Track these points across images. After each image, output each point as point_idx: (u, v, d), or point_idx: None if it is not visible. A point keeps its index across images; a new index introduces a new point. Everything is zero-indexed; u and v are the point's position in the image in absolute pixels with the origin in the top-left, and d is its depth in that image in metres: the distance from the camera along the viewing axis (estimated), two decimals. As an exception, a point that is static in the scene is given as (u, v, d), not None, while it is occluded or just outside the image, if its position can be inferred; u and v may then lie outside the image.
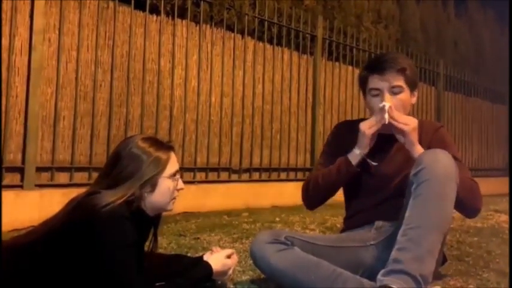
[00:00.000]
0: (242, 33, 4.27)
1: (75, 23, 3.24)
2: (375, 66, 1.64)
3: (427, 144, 1.60)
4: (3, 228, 2.18)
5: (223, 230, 2.73)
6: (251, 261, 1.61)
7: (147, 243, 1.55)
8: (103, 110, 3.38)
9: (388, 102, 1.57)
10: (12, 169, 2.94)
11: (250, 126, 4.31)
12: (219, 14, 4.10)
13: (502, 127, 7.85)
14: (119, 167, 1.38)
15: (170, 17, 3.79)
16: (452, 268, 1.90)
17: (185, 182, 1.57)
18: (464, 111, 7.23)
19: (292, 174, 4.69)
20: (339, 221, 2.99)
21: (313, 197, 1.72)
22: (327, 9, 5.26)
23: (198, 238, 2.47)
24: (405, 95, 1.62)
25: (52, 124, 3.12)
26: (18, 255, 1.33)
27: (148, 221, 1.50)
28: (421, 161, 1.42)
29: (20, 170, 2.96)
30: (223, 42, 4.13)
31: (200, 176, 3.93)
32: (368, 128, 1.57)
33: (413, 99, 1.67)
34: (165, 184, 1.43)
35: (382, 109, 1.55)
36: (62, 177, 3.17)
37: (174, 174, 1.45)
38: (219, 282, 1.62)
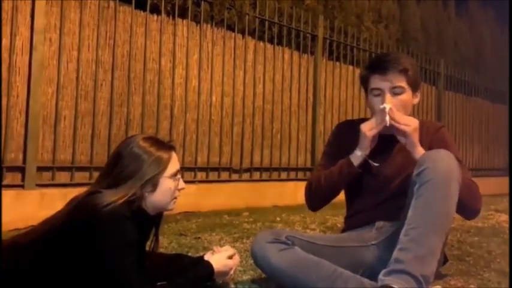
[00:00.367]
0: (243, 32, 4.27)
1: (75, 23, 3.24)
2: (377, 66, 1.63)
3: (427, 145, 1.60)
4: (4, 228, 2.19)
5: (223, 230, 2.74)
6: (252, 261, 1.62)
7: (148, 243, 1.55)
8: (104, 109, 3.38)
9: (389, 103, 1.56)
10: (13, 169, 2.94)
11: (251, 125, 4.31)
12: (219, 14, 4.10)
13: (503, 127, 7.84)
14: (120, 166, 1.38)
15: (171, 17, 3.79)
16: (453, 268, 1.90)
17: (186, 182, 1.57)
18: (465, 111, 7.23)
19: (292, 174, 4.70)
20: (339, 220, 2.99)
21: (316, 199, 1.72)
22: (328, 9, 5.26)
23: (199, 238, 2.48)
24: (407, 96, 1.61)
25: (53, 124, 3.12)
26: (18, 254, 1.34)
27: (149, 221, 1.50)
28: (424, 161, 1.42)
29: (21, 170, 2.96)
30: (224, 42, 4.13)
31: (201, 175, 3.93)
32: (369, 129, 1.56)
33: (416, 100, 1.67)
34: (166, 184, 1.43)
35: (383, 111, 1.54)
36: (63, 177, 3.17)
37: (175, 174, 1.45)
38: (220, 282, 1.63)
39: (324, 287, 1.40)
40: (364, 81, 1.67)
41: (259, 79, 4.41)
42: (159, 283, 1.44)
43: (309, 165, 4.84)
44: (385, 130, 1.58)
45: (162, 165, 1.42)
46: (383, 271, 1.34)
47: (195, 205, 3.55)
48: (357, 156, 1.60)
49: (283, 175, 4.60)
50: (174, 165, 1.45)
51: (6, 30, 2.92)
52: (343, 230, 1.76)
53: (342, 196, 1.82)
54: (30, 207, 2.83)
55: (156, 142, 1.45)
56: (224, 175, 4.10)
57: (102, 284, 1.29)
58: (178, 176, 1.48)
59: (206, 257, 1.59)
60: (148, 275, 1.43)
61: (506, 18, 6.83)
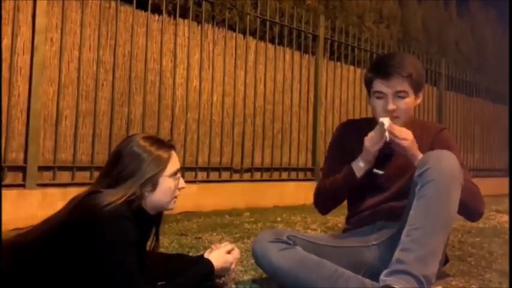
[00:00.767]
0: (244, 32, 4.27)
1: (77, 23, 3.25)
2: (381, 69, 1.62)
3: (428, 146, 1.60)
4: (5, 227, 2.19)
5: (224, 230, 2.74)
6: (253, 261, 1.61)
7: (148, 243, 1.55)
8: (105, 109, 3.38)
9: (391, 107, 1.58)
10: (14, 168, 2.94)
11: (252, 125, 4.31)
12: (220, 14, 4.10)
13: (504, 127, 7.83)
14: (120, 166, 1.38)
15: (172, 17, 3.79)
16: (455, 268, 1.89)
17: (186, 182, 1.57)
18: (466, 111, 7.22)
19: (293, 174, 4.69)
20: (340, 221, 2.98)
21: (323, 205, 1.75)
22: (329, 9, 5.26)
23: (200, 238, 2.48)
24: (410, 99, 1.62)
25: (54, 123, 3.12)
26: (18, 253, 1.34)
27: (150, 220, 1.50)
28: (426, 161, 1.41)
29: (22, 169, 2.96)
30: (225, 42, 4.13)
31: (202, 175, 3.93)
32: (373, 145, 1.56)
33: (418, 101, 1.67)
34: (166, 183, 1.43)
35: (382, 126, 1.53)
36: (64, 177, 3.17)
37: (175, 173, 1.45)
38: (221, 281, 1.63)
39: (325, 287, 1.40)
40: (368, 83, 1.67)
41: (260, 79, 4.41)
42: (159, 283, 1.44)
43: (309, 165, 4.84)
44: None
45: (162, 164, 1.41)
46: (384, 271, 1.33)
47: (195, 205, 3.55)
48: (360, 167, 1.60)
49: (284, 175, 4.59)
50: (174, 164, 1.45)
51: (7, 30, 2.92)
52: (345, 230, 1.76)
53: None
54: (31, 207, 2.83)
55: (156, 141, 1.45)
56: (225, 175, 4.10)
57: (103, 284, 1.29)
58: (179, 175, 1.47)
59: (206, 255, 1.59)
60: (148, 275, 1.42)
61: (507, 18, 6.82)
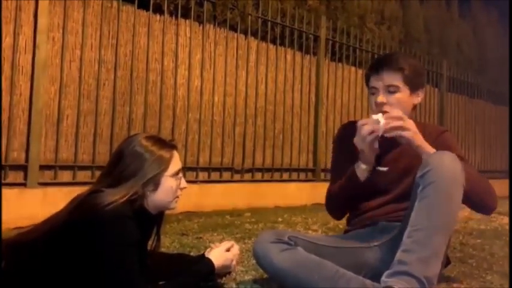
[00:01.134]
0: (245, 33, 4.27)
1: (79, 22, 3.25)
2: (373, 65, 1.69)
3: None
4: (6, 226, 2.19)
5: (225, 230, 2.73)
6: (254, 261, 1.61)
7: (149, 242, 1.55)
8: (106, 109, 3.38)
9: (381, 100, 1.59)
10: (15, 167, 2.95)
11: (253, 126, 4.31)
12: (222, 14, 4.10)
13: (505, 129, 7.82)
14: (122, 165, 1.38)
15: (173, 17, 3.79)
16: (456, 270, 1.89)
17: (187, 182, 1.57)
18: (467, 112, 7.22)
19: (294, 175, 4.69)
20: (341, 222, 2.97)
21: (336, 209, 1.77)
22: (330, 10, 5.26)
23: (201, 237, 2.47)
24: (402, 95, 1.61)
25: (55, 123, 3.12)
26: (20, 253, 1.34)
27: (151, 220, 1.50)
28: (428, 162, 1.41)
29: (24, 168, 2.97)
30: (226, 42, 4.13)
31: (202, 175, 3.93)
32: (361, 142, 1.54)
33: (417, 100, 1.66)
34: (167, 183, 1.43)
35: (376, 121, 1.50)
36: (65, 176, 3.18)
37: (176, 173, 1.45)
38: (222, 281, 1.63)
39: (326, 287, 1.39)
40: (366, 81, 1.72)
41: (262, 79, 4.41)
42: (160, 282, 1.44)
43: (310, 166, 4.84)
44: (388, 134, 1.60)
45: (164, 164, 1.41)
46: (386, 272, 1.33)
47: (196, 205, 3.55)
48: (362, 169, 1.60)
49: (285, 176, 4.59)
50: (175, 164, 1.45)
51: (9, 29, 2.92)
52: (346, 231, 1.76)
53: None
54: (33, 206, 2.83)
55: (158, 141, 1.45)
56: (226, 175, 4.10)
57: (104, 284, 1.29)
58: (180, 175, 1.47)
59: (206, 255, 1.59)
60: (149, 274, 1.42)
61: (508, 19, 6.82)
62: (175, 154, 1.46)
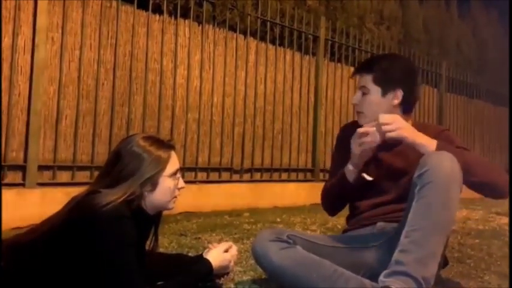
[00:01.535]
0: (244, 33, 4.28)
1: (78, 22, 3.25)
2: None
3: None
4: (5, 226, 2.19)
5: (224, 230, 2.73)
6: (252, 261, 1.62)
7: (147, 243, 1.55)
8: (105, 109, 3.38)
9: (354, 100, 1.66)
10: (14, 167, 2.95)
11: (252, 126, 4.31)
12: (221, 14, 4.10)
13: (504, 129, 7.83)
14: (120, 165, 1.38)
15: (173, 17, 3.79)
16: (454, 270, 1.89)
17: (186, 182, 1.57)
18: (467, 113, 7.22)
19: (293, 175, 4.69)
20: (340, 222, 2.98)
21: (329, 206, 1.79)
22: (330, 10, 5.26)
23: (199, 238, 2.47)
24: (373, 96, 1.63)
25: (54, 123, 3.12)
26: (18, 253, 1.34)
27: (149, 220, 1.50)
28: (426, 163, 1.41)
29: (22, 169, 2.96)
30: (225, 43, 4.13)
31: (201, 175, 3.93)
32: (355, 147, 1.57)
33: (394, 101, 1.63)
34: (165, 183, 1.43)
35: (377, 127, 1.49)
36: (64, 176, 3.17)
37: (174, 173, 1.45)
38: (220, 281, 1.63)
39: (324, 287, 1.40)
40: None
41: (261, 80, 4.41)
42: (158, 283, 1.44)
43: (309, 166, 4.84)
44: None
45: (162, 164, 1.41)
46: (384, 272, 1.33)
47: (195, 205, 3.55)
48: (350, 170, 1.62)
49: (284, 176, 4.59)
50: (173, 164, 1.45)
51: (8, 29, 2.92)
52: (345, 231, 1.76)
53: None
54: (31, 206, 2.83)
55: (156, 141, 1.45)
56: (225, 175, 4.10)
57: (102, 284, 1.29)
58: (178, 175, 1.48)
59: (204, 255, 1.59)
60: (148, 275, 1.42)
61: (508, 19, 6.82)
62: (173, 154, 1.47)
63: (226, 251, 1.61)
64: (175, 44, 3.78)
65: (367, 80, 1.64)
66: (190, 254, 1.90)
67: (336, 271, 1.42)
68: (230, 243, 1.65)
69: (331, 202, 1.75)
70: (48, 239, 1.33)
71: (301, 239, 1.54)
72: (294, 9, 4.73)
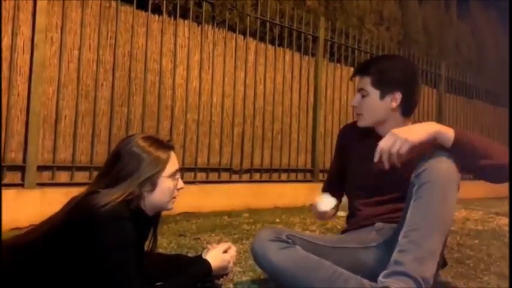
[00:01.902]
0: (244, 33, 4.27)
1: (77, 22, 3.25)
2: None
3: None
4: (4, 227, 2.19)
5: (223, 231, 2.73)
6: (251, 262, 1.62)
7: (146, 243, 1.55)
8: (104, 109, 3.38)
9: (354, 103, 1.67)
10: (13, 168, 2.94)
11: (251, 126, 4.31)
12: (221, 15, 4.10)
13: (504, 130, 7.83)
14: (119, 165, 1.38)
15: (172, 17, 3.79)
16: (453, 271, 1.89)
17: (186, 182, 1.57)
18: (466, 113, 7.23)
19: (293, 175, 4.69)
20: (339, 222, 2.98)
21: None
22: (329, 11, 5.26)
23: (199, 238, 2.47)
24: (371, 99, 1.63)
25: (53, 123, 3.12)
26: (18, 254, 1.34)
27: (148, 221, 1.50)
28: (423, 162, 1.41)
29: (21, 169, 2.96)
30: (225, 43, 4.13)
31: (201, 176, 3.93)
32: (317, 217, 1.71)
33: (392, 104, 1.62)
34: (165, 183, 1.43)
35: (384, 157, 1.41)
36: (63, 176, 3.17)
37: (174, 174, 1.45)
38: (219, 282, 1.63)
39: (323, 287, 1.40)
40: None
41: (260, 80, 4.41)
42: (157, 283, 1.44)
43: (309, 166, 4.84)
44: (378, 129, 1.65)
45: (161, 164, 1.42)
46: (383, 272, 1.33)
47: (194, 206, 3.55)
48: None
49: (284, 176, 4.59)
50: (173, 165, 1.45)
51: (7, 29, 2.92)
52: (344, 231, 1.76)
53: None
54: (30, 207, 2.83)
55: (155, 141, 1.45)
56: (224, 176, 4.10)
57: (102, 284, 1.29)
58: (178, 175, 1.47)
59: (203, 256, 1.59)
60: (147, 275, 1.42)
61: (508, 20, 6.83)
62: (173, 155, 1.47)
63: (225, 251, 1.61)
64: (175, 44, 3.78)
65: (366, 82, 1.64)
66: (189, 255, 1.90)
67: (335, 271, 1.42)
68: (229, 243, 1.65)
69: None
70: (48, 239, 1.33)
71: (300, 239, 1.54)
72: (294, 9, 4.73)
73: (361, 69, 1.67)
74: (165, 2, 3.69)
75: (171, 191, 1.46)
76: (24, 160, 2.96)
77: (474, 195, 4.99)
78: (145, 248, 1.54)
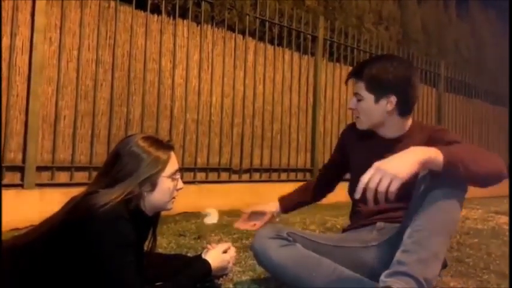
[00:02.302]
0: (243, 33, 4.27)
1: (76, 22, 3.24)
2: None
3: (423, 143, 1.57)
4: (3, 228, 2.18)
5: (223, 230, 2.73)
6: (251, 261, 1.62)
7: (146, 243, 1.54)
8: (104, 109, 3.38)
9: (351, 106, 1.66)
10: (12, 168, 2.94)
11: (251, 126, 4.31)
12: (220, 14, 4.10)
13: (503, 129, 7.84)
14: (118, 165, 1.38)
15: (171, 17, 3.79)
16: (453, 270, 1.89)
17: (185, 182, 1.57)
18: (465, 112, 7.23)
19: (292, 175, 4.69)
20: (339, 221, 2.99)
21: None
22: (328, 10, 5.26)
23: (198, 238, 2.47)
24: (366, 103, 1.62)
25: (53, 123, 3.12)
26: (17, 254, 1.33)
27: (147, 221, 1.50)
28: None
29: (21, 169, 2.96)
30: (224, 43, 4.13)
31: (200, 176, 3.92)
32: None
33: (387, 107, 1.60)
34: (165, 184, 1.43)
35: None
36: (62, 177, 3.17)
37: (173, 174, 1.45)
38: (219, 282, 1.63)
39: (324, 285, 1.39)
40: None
41: (260, 80, 4.41)
42: (157, 283, 1.44)
43: (308, 166, 4.84)
44: (377, 131, 1.64)
45: (161, 165, 1.41)
46: (385, 272, 1.33)
47: (194, 206, 3.55)
48: None
49: (283, 176, 4.59)
50: (172, 165, 1.45)
51: (6, 29, 2.92)
52: (344, 230, 1.76)
53: (342, 197, 1.84)
54: (30, 207, 2.83)
55: (155, 142, 1.45)
56: (224, 176, 4.10)
57: (101, 284, 1.28)
58: (177, 176, 1.47)
59: (203, 256, 1.59)
60: (146, 275, 1.42)
61: (507, 19, 6.83)
62: (173, 155, 1.46)
63: (225, 251, 1.61)
64: (174, 44, 3.78)
65: (360, 87, 1.63)
66: (189, 255, 1.90)
67: (335, 270, 1.42)
68: (229, 244, 1.65)
69: None
70: (47, 239, 1.33)
71: (301, 237, 1.54)
72: (293, 9, 4.73)
73: (355, 73, 1.66)
74: (164, 2, 3.69)
75: (171, 191, 1.46)
76: (23, 160, 2.96)
77: (473, 194, 4.99)
78: (145, 248, 1.54)
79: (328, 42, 5.08)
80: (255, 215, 1.86)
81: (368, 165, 1.60)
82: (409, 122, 1.68)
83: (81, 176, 3.23)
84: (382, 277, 1.32)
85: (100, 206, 1.28)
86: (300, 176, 4.76)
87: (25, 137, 2.97)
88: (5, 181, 2.88)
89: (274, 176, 4.50)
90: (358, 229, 1.67)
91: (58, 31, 3.15)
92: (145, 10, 3.60)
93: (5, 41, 2.91)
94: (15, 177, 2.95)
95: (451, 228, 1.38)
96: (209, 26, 4.04)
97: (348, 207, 1.77)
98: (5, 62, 2.90)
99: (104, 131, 3.37)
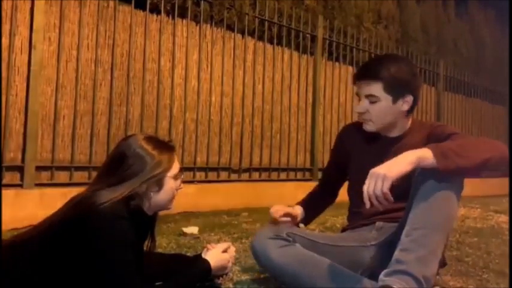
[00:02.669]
0: (242, 33, 4.27)
1: (75, 22, 3.24)
2: (356, 72, 1.65)
3: (424, 140, 1.57)
4: (3, 227, 2.18)
5: (222, 230, 2.73)
6: (251, 261, 1.62)
7: (145, 243, 1.55)
8: (103, 109, 3.37)
9: (360, 108, 1.59)
10: (12, 168, 2.94)
11: (250, 126, 4.31)
12: (219, 14, 4.10)
13: (502, 128, 7.85)
14: (124, 167, 1.38)
15: (170, 17, 3.79)
16: (452, 269, 1.89)
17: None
18: (464, 111, 7.24)
19: (292, 174, 4.69)
20: (338, 221, 2.99)
21: None
22: (327, 10, 5.26)
23: (198, 238, 2.47)
24: (383, 104, 1.58)
25: (52, 123, 3.12)
26: (17, 254, 1.33)
27: (146, 221, 1.50)
28: None
29: (20, 169, 2.96)
30: (223, 42, 4.13)
31: (200, 175, 3.93)
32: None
33: (404, 106, 1.60)
34: (170, 184, 1.45)
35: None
36: (62, 177, 3.17)
37: (177, 174, 1.47)
38: (219, 282, 1.63)
39: (323, 285, 1.40)
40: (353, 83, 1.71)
41: (259, 79, 4.41)
42: (157, 283, 1.44)
43: (308, 165, 4.84)
44: (383, 131, 1.63)
45: (165, 165, 1.43)
46: (384, 271, 1.33)
47: (194, 205, 3.55)
48: None
49: (283, 175, 4.60)
50: (176, 166, 1.47)
51: (5, 29, 2.91)
52: (344, 230, 1.76)
53: (342, 197, 1.84)
54: (29, 207, 2.83)
55: (159, 143, 1.46)
56: (223, 175, 4.10)
57: (101, 284, 1.29)
58: (180, 175, 1.49)
59: (202, 255, 1.59)
60: (146, 275, 1.42)
61: (507, 18, 6.84)
62: (175, 156, 1.48)
63: (224, 251, 1.61)
64: (173, 43, 3.78)
65: (377, 88, 1.56)
66: (188, 254, 1.90)
67: (335, 270, 1.43)
68: (229, 243, 1.66)
69: None
70: (47, 239, 1.33)
71: (300, 237, 1.54)
72: (292, 8, 4.72)
73: (370, 75, 1.57)
74: (163, 1, 3.69)
75: (174, 191, 1.47)
76: (22, 160, 2.96)
77: (473, 193, 5.00)
78: (145, 248, 1.54)
79: (328, 41, 5.08)
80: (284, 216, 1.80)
81: (372, 166, 1.60)
82: (410, 120, 1.68)
83: (80, 176, 3.23)
84: (381, 276, 1.32)
85: (100, 203, 1.28)
86: (299, 175, 4.76)
87: (24, 137, 2.97)
88: (4, 181, 2.88)
89: (274, 175, 4.50)
90: (358, 228, 1.67)
91: (57, 31, 3.15)
92: (144, 10, 3.60)
93: (4, 40, 2.90)
94: (14, 177, 2.95)
95: (448, 225, 1.39)
96: (208, 25, 4.04)
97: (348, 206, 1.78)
98: (4, 62, 2.89)
99: (103, 130, 3.37)
